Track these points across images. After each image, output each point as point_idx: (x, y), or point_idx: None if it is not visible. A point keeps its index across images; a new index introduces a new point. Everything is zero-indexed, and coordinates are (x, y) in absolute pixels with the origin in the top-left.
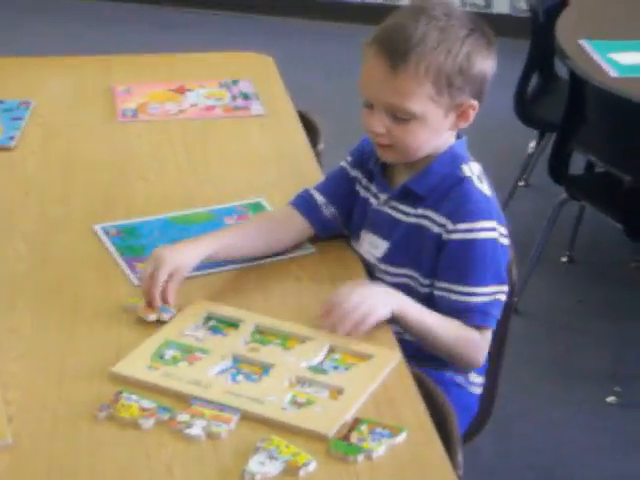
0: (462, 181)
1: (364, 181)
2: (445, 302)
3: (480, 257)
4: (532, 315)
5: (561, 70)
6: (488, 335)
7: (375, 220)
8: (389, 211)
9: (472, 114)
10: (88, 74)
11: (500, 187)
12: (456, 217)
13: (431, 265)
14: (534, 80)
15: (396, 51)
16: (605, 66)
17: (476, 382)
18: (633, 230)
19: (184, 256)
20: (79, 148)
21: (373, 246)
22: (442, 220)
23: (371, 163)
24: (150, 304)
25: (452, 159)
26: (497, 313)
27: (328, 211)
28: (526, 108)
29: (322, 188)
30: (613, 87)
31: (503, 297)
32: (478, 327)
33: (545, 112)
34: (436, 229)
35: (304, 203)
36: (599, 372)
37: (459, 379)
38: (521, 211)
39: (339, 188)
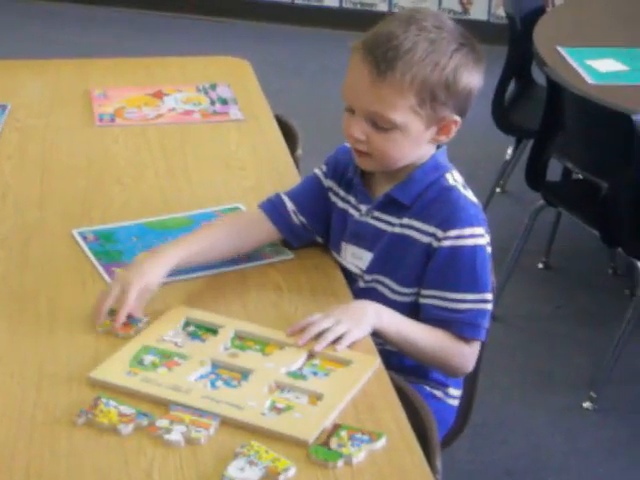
0: (448, 190)
1: (341, 192)
2: (433, 311)
3: (470, 263)
4: (509, 322)
5: (538, 77)
6: (477, 345)
7: (357, 232)
8: (372, 222)
9: (454, 129)
10: (65, 78)
11: (477, 193)
12: (446, 225)
13: (413, 274)
14: (511, 87)
15: (383, 59)
16: (582, 73)
17: (454, 395)
18: (609, 237)
19: (151, 274)
20: (56, 152)
21: (356, 257)
22: (431, 229)
23: (349, 173)
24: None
25: (435, 168)
26: (486, 324)
27: (297, 219)
28: (503, 114)
29: (294, 195)
30: (590, 94)
31: (490, 306)
32: (467, 339)
33: (522, 119)
34: (425, 239)
35: (273, 209)
36: (576, 378)
37: (438, 393)
38: (498, 218)
39: (311, 197)
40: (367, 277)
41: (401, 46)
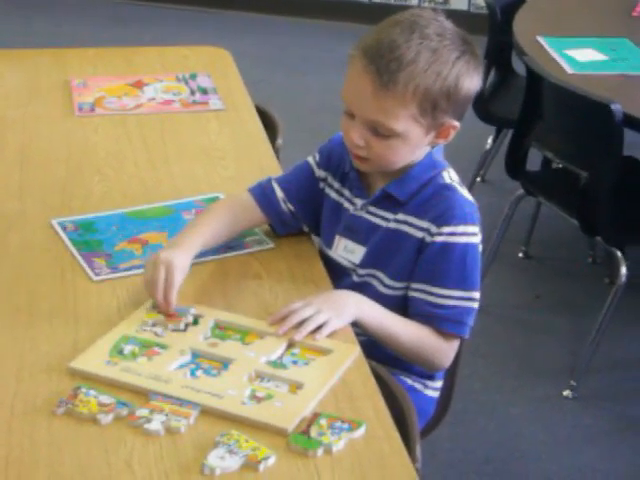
0: (445, 188)
1: (336, 184)
2: (419, 305)
3: (460, 261)
4: (489, 311)
5: (518, 66)
6: (456, 345)
7: (352, 226)
8: (367, 216)
9: (452, 133)
10: (44, 67)
11: None
12: (440, 220)
13: (404, 268)
14: (491, 76)
15: (386, 70)
16: (562, 62)
17: (435, 386)
18: (589, 226)
19: (184, 260)
20: (35, 142)
21: (348, 251)
22: (425, 224)
23: (346, 167)
24: (168, 310)
25: (431, 166)
26: (471, 322)
27: (286, 207)
28: (483, 104)
29: (284, 183)
30: (569, 83)
31: (477, 305)
32: (450, 336)
33: (502, 108)
34: (419, 234)
35: (263, 195)
36: (556, 366)
37: (418, 385)
38: (478, 207)
39: (301, 186)
40: (361, 271)
41: (404, 57)
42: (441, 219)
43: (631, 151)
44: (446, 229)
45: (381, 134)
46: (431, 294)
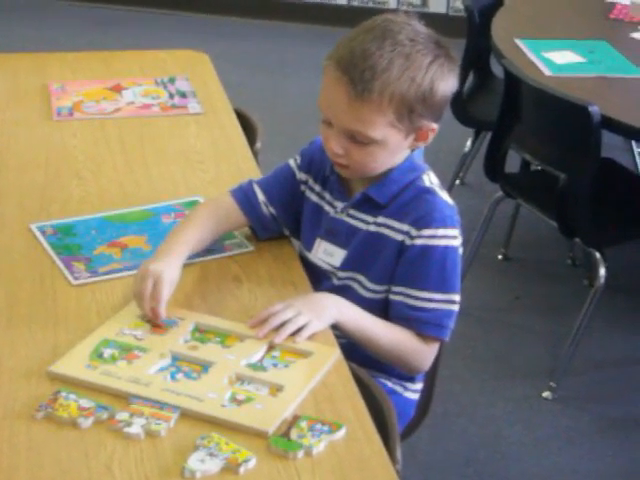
0: (425, 191)
1: (317, 187)
2: (400, 308)
3: (440, 263)
4: (469, 313)
5: (497, 69)
6: (436, 348)
7: (332, 229)
8: (347, 219)
9: (431, 136)
10: (22, 71)
11: None
12: (420, 223)
13: (385, 271)
14: (470, 79)
15: (360, 80)
16: (540, 65)
17: (415, 389)
18: (567, 228)
19: (173, 272)
20: (14, 146)
21: (328, 254)
22: (405, 227)
23: (327, 170)
24: (155, 322)
25: (411, 169)
26: (451, 324)
27: (268, 210)
28: (462, 107)
29: (265, 185)
30: (547, 85)
31: (457, 307)
32: (429, 339)
33: (481, 111)
34: (399, 237)
35: (245, 198)
36: (536, 368)
37: (398, 388)
38: (457, 210)
39: (282, 189)
40: (341, 274)
41: (377, 65)
42: (421, 222)
43: (609, 153)
44: (426, 232)
45: (360, 142)
46: (411, 297)
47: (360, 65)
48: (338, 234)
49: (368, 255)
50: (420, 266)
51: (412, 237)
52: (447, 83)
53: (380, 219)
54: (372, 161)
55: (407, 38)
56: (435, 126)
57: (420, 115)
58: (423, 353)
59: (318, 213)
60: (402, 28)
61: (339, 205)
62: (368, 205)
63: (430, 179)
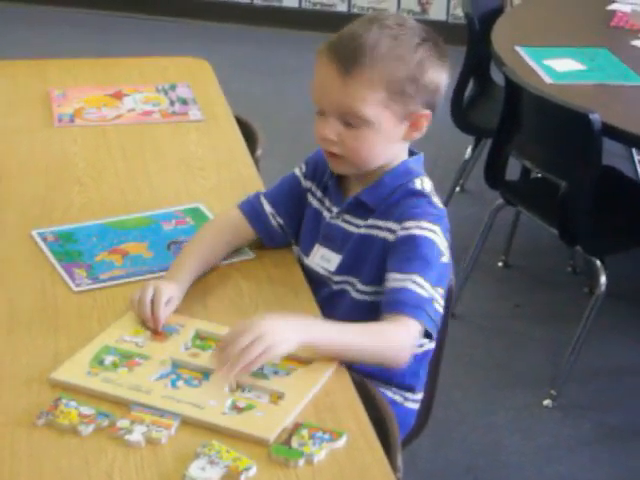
0: (413, 193)
1: (318, 193)
2: (386, 293)
3: (422, 249)
4: (469, 320)
5: (497, 76)
6: (414, 332)
7: (328, 234)
8: (341, 224)
9: (425, 124)
10: (23, 78)
11: (436, 193)
12: (403, 218)
13: (375, 271)
14: (470, 86)
15: (349, 57)
16: (540, 72)
17: (415, 398)
18: (568, 235)
19: (174, 289)
20: (15, 153)
21: (325, 259)
22: (390, 225)
23: (326, 176)
24: (157, 328)
25: (405, 173)
26: (433, 314)
27: (275, 221)
28: (462, 114)
29: (272, 197)
30: (548, 93)
31: (439, 305)
32: (409, 321)
33: (481, 118)
34: (383, 234)
35: (253, 211)
36: (536, 376)
37: (398, 398)
38: (457, 217)
39: (289, 199)
40: (337, 278)
41: (365, 44)
42: (404, 216)
43: (610, 160)
44: (407, 224)
45: (352, 125)
46: (394, 280)
47: (349, 45)
48: (334, 239)
49: (360, 258)
50: (401, 251)
51: (395, 232)
52: (436, 67)
53: (370, 221)
54: (366, 148)
55: (395, 23)
56: (428, 113)
57: (411, 97)
58: (400, 347)
59: (318, 219)
60: (390, 16)
61: (335, 210)
62: (360, 209)
63: (422, 183)
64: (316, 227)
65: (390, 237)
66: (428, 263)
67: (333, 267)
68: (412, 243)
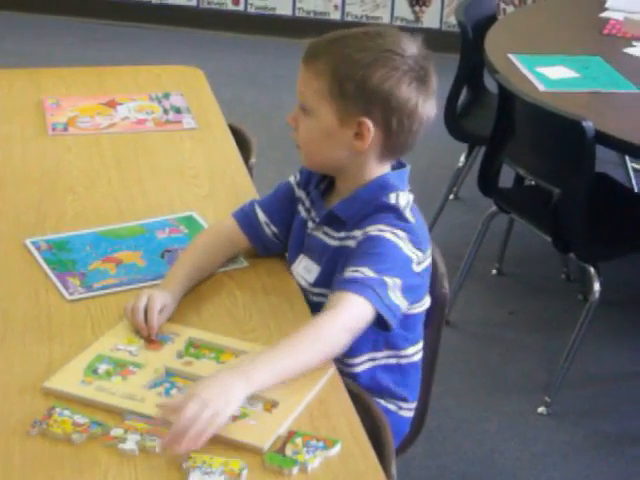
0: (386, 207)
1: (307, 203)
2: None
3: (379, 249)
4: (463, 327)
5: (490, 84)
6: (357, 312)
7: (309, 244)
8: (320, 235)
9: (368, 136)
10: (17, 87)
11: (430, 200)
12: (367, 224)
13: None
14: (464, 94)
15: (314, 48)
16: (533, 80)
17: (409, 407)
18: (562, 242)
19: (167, 297)
20: (8, 162)
21: (307, 270)
22: (356, 233)
23: (311, 186)
24: (150, 335)
25: (380, 187)
26: (386, 300)
27: (269, 230)
28: (456, 122)
29: (266, 205)
30: (541, 101)
31: (398, 301)
32: (352, 294)
33: (475, 126)
34: (349, 243)
35: (246, 220)
36: (530, 383)
37: (392, 407)
38: (451, 224)
39: (283, 207)
40: (315, 290)
41: (330, 38)
42: (367, 222)
43: (603, 167)
44: (368, 228)
45: (304, 111)
46: (347, 272)
47: (321, 42)
48: (313, 250)
49: (335, 271)
50: (358, 252)
51: (357, 238)
52: (394, 80)
53: (342, 234)
54: (309, 139)
55: (376, 32)
56: (369, 123)
57: (350, 98)
58: (332, 337)
59: (303, 229)
60: (388, 32)
61: (317, 220)
62: (335, 222)
63: (397, 198)
64: (302, 237)
65: (353, 245)
66: (382, 258)
67: (312, 279)
68: (369, 243)
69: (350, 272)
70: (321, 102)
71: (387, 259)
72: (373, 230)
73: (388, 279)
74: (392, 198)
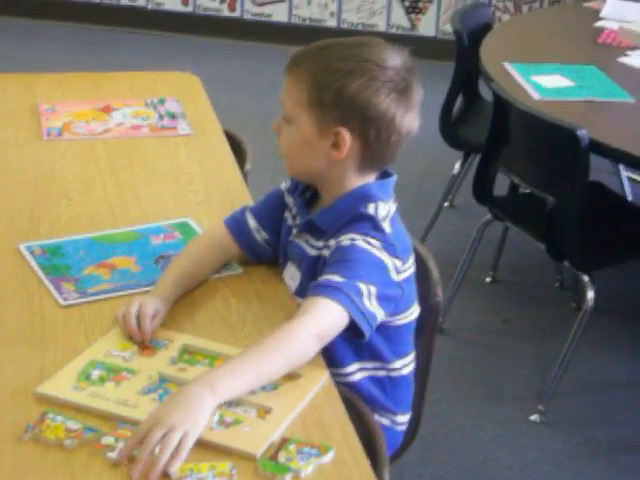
0: (362, 217)
1: (294, 209)
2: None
3: (351, 256)
4: (457, 335)
5: (485, 92)
6: (328, 317)
7: (292, 251)
8: (302, 243)
9: (344, 146)
10: (12, 92)
11: (425, 208)
12: (341, 234)
13: None
14: (459, 102)
15: (296, 56)
16: (528, 88)
17: (402, 421)
18: (556, 250)
19: (158, 303)
20: (3, 167)
21: (292, 278)
22: (331, 243)
23: (296, 194)
24: (144, 341)
25: (360, 197)
26: (360, 306)
27: (260, 236)
28: (451, 129)
29: (257, 212)
30: (536, 109)
31: (372, 307)
32: (322, 298)
33: (470, 133)
34: (327, 252)
35: (237, 226)
36: (524, 391)
37: (385, 421)
38: (445, 232)
39: (274, 213)
40: (298, 299)
41: (312, 48)
42: (342, 232)
43: (597, 176)
44: (340, 237)
45: (285, 118)
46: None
47: (305, 50)
48: (295, 258)
49: (313, 280)
50: (330, 262)
51: (331, 247)
52: (371, 90)
53: (321, 243)
54: (289, 147)
55: (360, 42)
56: (346, 133)
57: (328, 107)
58: (306, 341)
59: (289, 235)
60: (373, 44)
61: (299, 228)
62: (315, 231)
63: (376, 208)
64: (287, 244)
65: (328, 255)
66: (354, 265)
67: (295, 286)
68: (341, 251)
69: (322, 279)
70: (300, 111)
71: (360, 266)
72: (345, 239)
73: (362, 285)
74: (370, 208)
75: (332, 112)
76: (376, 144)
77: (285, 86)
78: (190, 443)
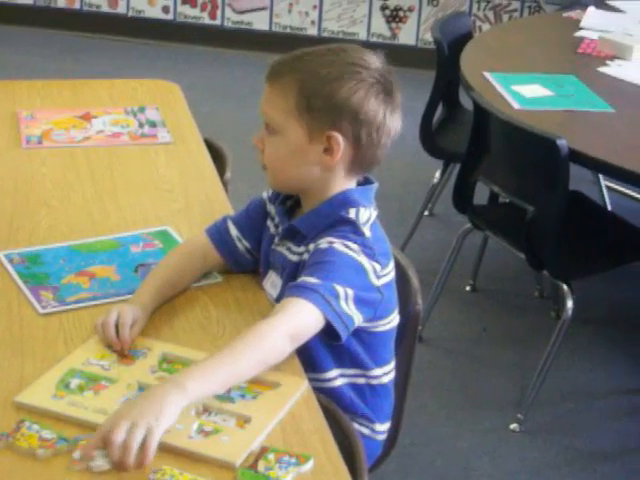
0: (343, 221)
1: (276, 219)
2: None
3: (327, 258)
4: (436, 344)
5: (466, 101)
6: (301, 317)
7: (274, 260)
8: (283, 251)
9: (337, 150)
10: None
11: (405, 217)
12: (320, 237)
13: None
14: (439, 111)
15: (278, 65)
16: (508, 98)
17: (382, 430)
18: (535, 260)
19: (138, 311)
20: None
21: (273, 286)
22: (311, 247)
23: (277, 201)
24: (123, 350)
25: (342, 203)
26: (336, 307)
27: (241, 245)
28: (431, 138)
29: (238, 220)
30: (516, 119)
31: (349, 310)
32: (297, 299)
33: (450, 142)
34: (307, 257)
35: (218, 235)
36: (503, 399)
37: (365, 430)
38: (425, 240)
39: (255, 222)
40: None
41: (295, 55)
42: (321, 236)
43: (576, 185)
44: (319, 241)
45: (269, 132)
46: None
47: (285, 60)
48: (277, 266)
49: None
50: (309, 261)
51: (310, 251)
52: (360, 92)
53: (302, 248)
54: (276, 158)
55: (339, 48)
56: (338, 136)
57: (318, 112)
58: (277, 340)
59: (271, 244)
60: (351, 49)
61: (280, 236)
62: (297, 236)
63: (357, 213)
64: (269, 252)
65: (307, 256)
66: (331, 267)
67: (276, 293)
68: (318, 254)
69: (299, 280)
70: (288, 120)
71: (337, 268)
72: (323, 242)
73: (338, 287)
74: (351, 213)
75: (323, 117)
76: (368, 146)
77: (268, 97)
78: (156, 437)
